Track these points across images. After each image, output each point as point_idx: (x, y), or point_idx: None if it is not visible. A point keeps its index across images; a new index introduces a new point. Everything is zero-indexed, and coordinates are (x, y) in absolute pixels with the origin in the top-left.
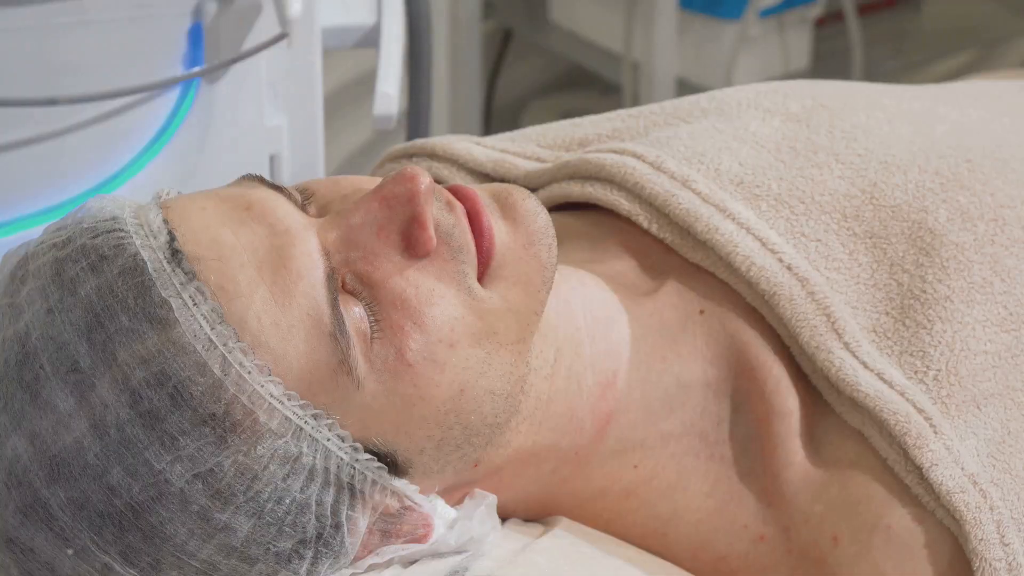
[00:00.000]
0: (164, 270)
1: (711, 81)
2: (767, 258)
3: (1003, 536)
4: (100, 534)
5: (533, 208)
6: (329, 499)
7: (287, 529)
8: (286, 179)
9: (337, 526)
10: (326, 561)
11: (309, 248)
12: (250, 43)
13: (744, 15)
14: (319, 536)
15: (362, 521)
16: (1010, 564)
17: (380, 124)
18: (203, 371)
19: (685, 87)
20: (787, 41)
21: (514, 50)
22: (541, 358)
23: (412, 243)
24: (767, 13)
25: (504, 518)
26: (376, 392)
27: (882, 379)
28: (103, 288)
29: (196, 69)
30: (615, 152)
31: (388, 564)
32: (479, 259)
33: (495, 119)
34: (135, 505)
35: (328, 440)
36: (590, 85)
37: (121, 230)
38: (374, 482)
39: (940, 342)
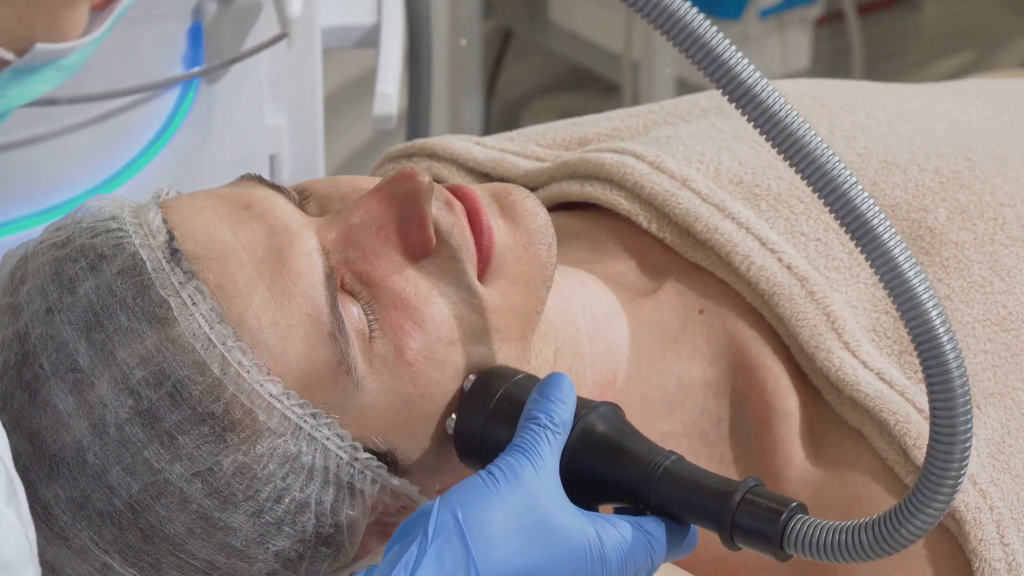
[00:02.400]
0: (163, 269)
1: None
2: (766, 257)
3: (1003, 536)
4: (100, 533)
5: (533, 207)
6: (328, 498)
7: (286, 528)
8: (286, 179)
9: (336, 525)
10: (325, 560)
11: (308, 248)
12: (250, 43)
13: (744, 15)
14: (318, 535)
15: (362, 520)
16: (1010, 564)
17: (380, 124)
18: (202, 370)
19: (685, 87)
20: (787, 41)
21: (514, 50)
22: (540, 357)
23: (411, 242)
24: (767, 13)
25: None
26: (376, 391)
27: (882, 379)
28: (102, 287)
29: (196, 69)
30: (615, 151)
31: None
32: (479, 258)
33: (495, 119)
34: (135, 504)
35: (327, 439)
36: (590, 85)
37: (120, 229)
38: (374, 481)
39: None
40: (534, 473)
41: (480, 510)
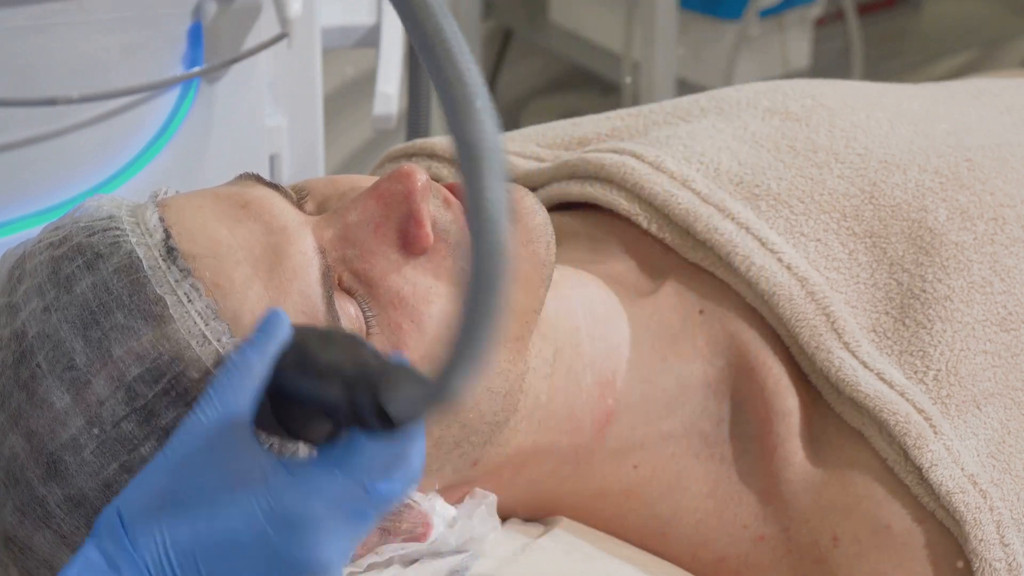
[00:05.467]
0: (159, 267)
1: (711, 81)
2: (766, 258)
3: (1003, 536)
4: None
5: (531, 205)
6: None
7: None
8: (286, 179)
9: None
10: None
11: (305, 246)
12: (250, 43)
13: (744, 15)
14: None
15: None
16: (1010, 564)
17: (380, 124)
18: (198, 367)
19: (685, 87)
20: (787, 41)
21: (514, 50)
22: (540, 357)
23: (409, 240)
24: (767, 13)
25: (504, 518)
26: None
27: (882, 379)
28: (99, 285)
29: (196, 69)
30: (614, 152)
31: (388, 563)
32: None
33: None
34: None
35: None
36: (590, 85)
37: (117, 228)
38: None
39: (940, 342)
40: (191, 428)
41: (135, 494)
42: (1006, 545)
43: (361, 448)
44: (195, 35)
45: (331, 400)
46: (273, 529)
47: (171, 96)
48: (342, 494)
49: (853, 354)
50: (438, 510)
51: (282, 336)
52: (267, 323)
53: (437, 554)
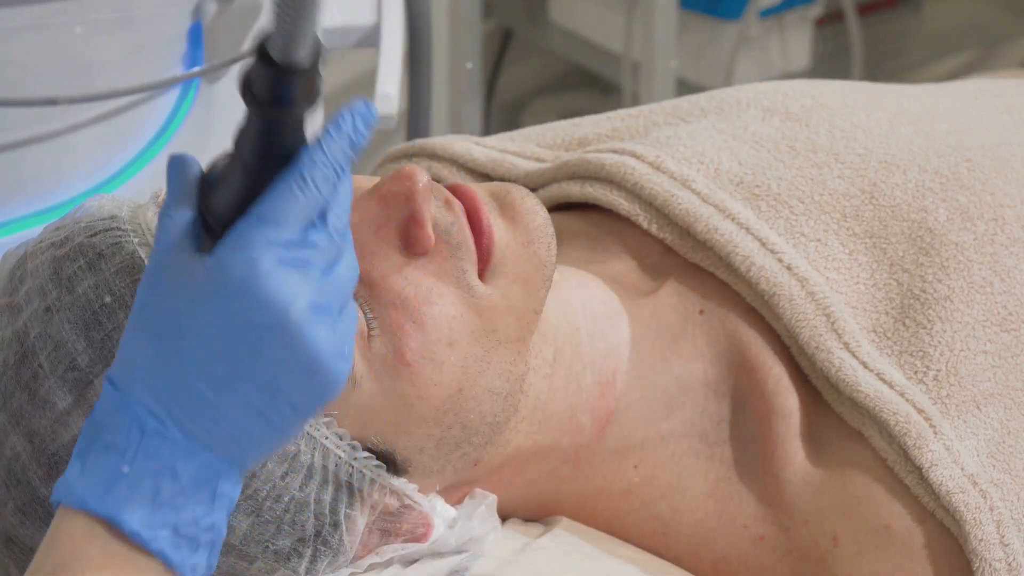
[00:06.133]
0: None
1: (711, 81)
2: (767, 258)
3: (1003, 536)
4: None
5: (532, 206)
6: (327, 497)
7: (285, 527)
8: None
9: (336, 524)
10: (325, 559)
11: None
12: (250, 43)
13: (744, 15)
14: (317, 534)
15: (361, 520)
16: (1010, 564)
17: (380, 124)
18: None
19: (685, 87)
20: (787, 41)
21: (514, 50)
22: (540, 357)
23: (410, 241)
24: (767, 13)
25: (504, 518)
26: (374, 391)
27: (882, 379)
28: (100, 286)
29: (196, 69)
30: (615, 152)
31: (388, 563)
32: (479, 256)
33: (495, 119)
34: None
35: (326, 439)
36: (590, 85)
37: (119, 228)
38: (373, 481)
39: (940, 342)
40: (145, 279)
41: (119, 358)
42: (1006, 545)
43: (276, 185)
44: (195, 35)
45: (243, 162)
46: (222, 297)
47: (171, 96)
48: (272, 234)
49: (853, 354)
50: (438, 511)
51: (193, 168)
52: (174, 165)
53: (437, 554)
